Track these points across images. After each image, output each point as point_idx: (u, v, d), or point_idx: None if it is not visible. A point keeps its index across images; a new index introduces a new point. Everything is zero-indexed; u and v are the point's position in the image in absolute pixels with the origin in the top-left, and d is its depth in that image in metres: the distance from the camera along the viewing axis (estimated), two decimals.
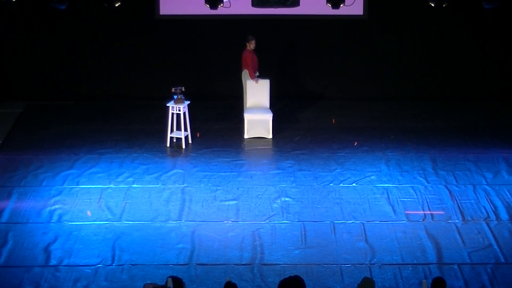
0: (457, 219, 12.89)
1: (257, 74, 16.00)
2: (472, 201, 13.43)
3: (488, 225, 12.71)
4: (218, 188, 13.91)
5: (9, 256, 11.92)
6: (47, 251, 12.03)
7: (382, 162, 14.78)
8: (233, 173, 14.42)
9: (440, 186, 13.92)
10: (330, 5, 13.67)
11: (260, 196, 13.64)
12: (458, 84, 17.63)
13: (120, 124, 16.45)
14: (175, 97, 15.34)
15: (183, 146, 15.42)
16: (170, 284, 9.00)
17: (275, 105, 16.34)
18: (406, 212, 13.11)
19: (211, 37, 17.30)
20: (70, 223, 12.80)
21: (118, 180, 14.13)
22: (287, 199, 13.54)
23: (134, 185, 13.97)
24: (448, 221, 12.85)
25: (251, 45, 15.92)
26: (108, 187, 13.88)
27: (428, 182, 14.03)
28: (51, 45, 17.23)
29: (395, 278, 11.42)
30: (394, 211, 13.14)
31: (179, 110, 15.36)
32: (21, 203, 13.37)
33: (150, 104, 16.99)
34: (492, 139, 15.68)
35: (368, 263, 11.77)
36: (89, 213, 13.10)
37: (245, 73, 15.99)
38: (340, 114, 16.97)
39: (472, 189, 13.81)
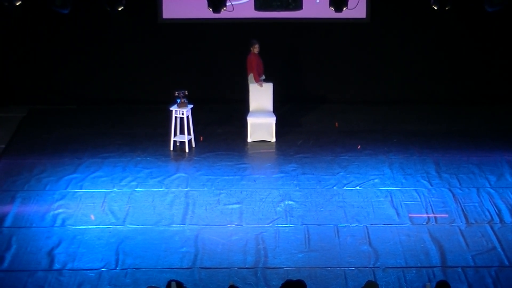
0: (461, 222, 12.88)
1: (263, 77, 16.01)
2: (476, 204, 13.42)
3: (492, 228, 12.70)
4: (222, 191, 13.91)
5: (12, 260, 11.93)
6: (50, 255, 12.03)
7: (385, 166, 14.77)
8: (237, 177, 14.42)
9: (444, 189, 13.91)
10: (332, 9, 13.66)
11: (263, 200, 13.64)
12: (461, 87, 17.62)
13: (123, 128, 16.46)
14: (178, 100, 15.34)
15: (187, 150, 15.42)
16: (174, 287, 9.01)
17: (278, 109, 16.34)
18: (410, 215, 13.10)
19: (214, 40, 17.30)
20: (73, 227, 12.80)
21: (121, 184, 14.13)
22: (290, 202, 13.54)
23: (138, 189, 13.97)
24: (452, 224, 12.84)
25: (255, 49, 15.93)
26: (111, 191, 13.88)
27: (431, 185, 14.03)
28: (54, 49, 17.23)
29: (399, 281, 11.42)
30: (397, 214, 13.13)
31: (182, 114, 15.36)
32: (24, 207, 13.37)
33: (153, 108, 16.99)
34: (495, 142, 15.67)
35: (372, 266, 11.76)
36: (92, 217, 13.11)
37: (251, 77, 15.98)
38: (343, 118, 16.96)
39: (475, 192, 13.80)
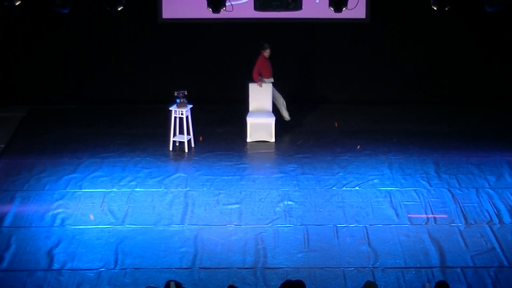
0: (460, 223, 12.88)
1: (272, 80, 16.03)
2: (475, 204, 13.42)
3: (491, 228, 12.70)
4: (221, 191, 13.91)
5: (12, 260, 11.93)
6: (50, 255, 12.04)
7: (385, 166, 14.77)
8: (236, 177, 14.42)
9: (443, 189, 13.91)
10: (332, 9, 13.66)
11: (263, 200, 13.64)
12: (461, 87, 17.62)
13: (122, 128, 16.46)
14: (177, 100, 15.35)
15: (186, 150, 15.42)
16: (173, 287, 9.02)
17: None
18: (409, 215, 13.10)
19: (213, 41, 17.30)
20: (73, 227, 12.81)
21: (121, 184, 14.14)
22: (290, 202, 13.54)
23: (137, 189, 13.97)
24: (451, 225, 12.84)
25: (266, 53, 15.97)
26: (111, 191, 13.88)
27: (431, 186, 14.02)
28: (54, 49, 17.24)
29: (398, 281, 11.42)
30: (397, 214, 13.13)
31: (182, 114, 15.36)
32: (24, 207, 13.38)
33: (152, 108, 16.99)
34: (495, 143, 15.67)
35: (371, 266, 11.76)
36: (92, 217, 13.11)
37: (261, 79, 15.98)
38: (343, 118, 16.96)
39: (475, 192, 13.80)
